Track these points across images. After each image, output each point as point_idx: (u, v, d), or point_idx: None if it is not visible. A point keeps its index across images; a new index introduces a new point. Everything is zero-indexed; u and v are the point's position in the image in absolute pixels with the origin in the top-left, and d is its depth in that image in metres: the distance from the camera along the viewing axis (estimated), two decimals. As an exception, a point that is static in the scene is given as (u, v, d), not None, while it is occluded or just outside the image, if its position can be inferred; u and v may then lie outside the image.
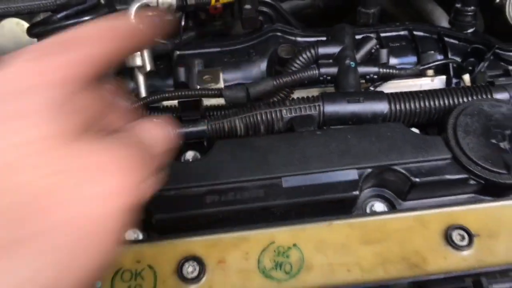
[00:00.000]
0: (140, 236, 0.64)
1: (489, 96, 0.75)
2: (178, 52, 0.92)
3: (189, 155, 0.71)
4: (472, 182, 0.66)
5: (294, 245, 0.61)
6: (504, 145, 0.67)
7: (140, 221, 0.64)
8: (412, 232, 0.62)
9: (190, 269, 0.58)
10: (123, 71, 0.84)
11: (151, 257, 0.59)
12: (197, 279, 0.58)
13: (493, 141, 0.68)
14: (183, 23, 0.92)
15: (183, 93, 0.75)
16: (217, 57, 0.92)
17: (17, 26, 1.00)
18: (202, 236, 0.61)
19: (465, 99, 0.74)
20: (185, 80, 0.88)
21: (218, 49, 0.94)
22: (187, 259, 0.59)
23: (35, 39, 0.92)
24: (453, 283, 0.61)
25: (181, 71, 0.88)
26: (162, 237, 0.62)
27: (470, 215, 0.63)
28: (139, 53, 0.79)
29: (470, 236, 0.61)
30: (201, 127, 0.72)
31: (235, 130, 0.72)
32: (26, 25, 0.93)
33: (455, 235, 0.61)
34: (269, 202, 0.64)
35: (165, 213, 0.62)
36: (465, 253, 0.60)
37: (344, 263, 0.60)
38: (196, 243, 0.60)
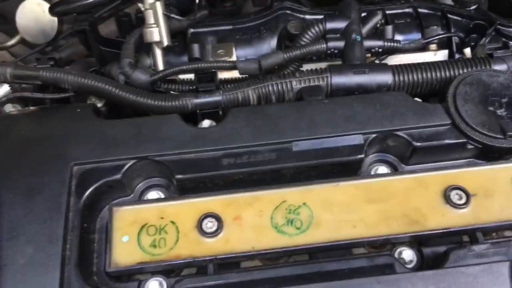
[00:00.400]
0: (163, 195, 0.69)
1: (488, 67, 0.79)
2: (192, 30, 0.96)
3: (206, 123, 0.75)
4: (470, 146, 0.71)
5: (304, 203, 0.66)
6: (501, 112, 0.72)
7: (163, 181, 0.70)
8: (413, 192, 0.67)
9: (209, 225, 0.64)
10: (141, 47, 0.89)
11: (173, 213, 0.65)
12: (215, 233, 0.63)
13: (491, 108, 0.72)
14: (197, 1, 0.95)
15: (199, 65, 0.80)
16: (229, 34, 0.96)
17: (38, 6, 1.04)
18: (220, 195, 0.66)
19: (465, 70, 0.78)
20: (199, 56, 0.93)
21: (230, 27, 0.98)
22: (206, 215, 0.64)
23: (56, 19, 0.97)
24: (451, 238, 0.66)
25: (195, 48, 0.92)
26: (183, 196, 0.67)
27: (468, 176, 0.68)
28: (157, 28, 0.84)
29: (468, 195, 0.66)
30: (217, 97, 0.77)
31: (248, 100, 0.77)
32: (46, 5, 0.97)
33: (453, 195, 0.66)
34: (281, 165, 0.69)
35: (186, 174, 0.67)
36: (463, 211, 0.65)
37: (349, 220, 0.65)
38: (214, 202, 0.66)
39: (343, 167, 0.69)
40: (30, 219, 0.62)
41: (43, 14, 0.98)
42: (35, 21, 1.01)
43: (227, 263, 0.65)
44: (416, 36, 0.96)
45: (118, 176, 0.67)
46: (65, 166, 0.66)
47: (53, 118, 0.74)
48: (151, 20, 0.85)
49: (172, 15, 0.88)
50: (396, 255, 0.66)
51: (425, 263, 0.65)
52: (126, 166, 0.67)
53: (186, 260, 0.62)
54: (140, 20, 0.94)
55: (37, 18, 1.00)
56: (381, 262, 0.63)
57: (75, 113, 0.74)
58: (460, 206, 0.65)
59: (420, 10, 0.99)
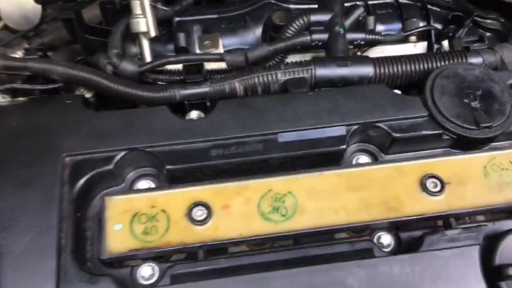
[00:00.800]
0: (153, 185, 0.72)
1: (464, 61, 0.83)
2: (178, 19, 0.97)
3: (194, 114, 0.78)
4: (446, 137, 0.75)
5: (289, 192, 0.69)
6: (475, 104, 0.76)
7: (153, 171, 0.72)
8: (392, 181, 0.71)
9: (198, 213, 0.67)
10: (127, 37, 0.90)
11: (164, 202, 0.67)
12: (205, 221, 0.66)
13: (466, 101, 0.76)
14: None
15: (187, 57, 0.81)
16: (214, 23, 0.97)
17: (22, -7, 1.03)
18: (208, 185, 0.69)
19: (442, 63, 0.82)
20: (185, 46, 0.94)
21: (216, 16, 0.99)
22: (196, 204, 0.67)
23: (40, 6, 0.96)
24: (426, 224, 0.71)
25: (181, 37, 0.93)
26: (173, 186, 0.70)
27: (443, 165, 0.72)
28: (144, 19, 0.85)
29: (442, 183, 0.70)
30: (204, 88, 0.79)
31: (235, 91, 0.79)
32: (30, -8, 0.97)
33: (429, 183, 0.70)
34: (267, 155, 0.72)
35: (175, 165, 0.70)
36: (438, 198, 0.69)
37: (332, 207, 0.69)
38: (203, 191, 0.68)
39: (326, 157, 0.73)
40: (25, 210, 0.64)
41: (27, 1, 0.97)
42: (19, 7, 1.00)
43: (215, 249, 0.68)
44: (397, 26, 1.00)
45: (110, 166, 0.69)
46: (57, 157, 0.68)
47: (44, 109, 0.75)
48: (137, 10, 0.85)
49: (159, 5, 0.89)
50: (375, 239, 0.70)
51: (402, 247, 0.70)
52: (118, 157, 0.69)
53: (177, 247, 0.65)
54: (125, 7, 0.94)
55: (21, 4, 1.00)
56: (361, 247, 0.67)
57: (65, 104, 0.75)
58: (436, 194, 0.69)
59: (401, 0, 1.01)
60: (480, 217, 0.76)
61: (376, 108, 0.75)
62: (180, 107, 0.79)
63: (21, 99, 0.79)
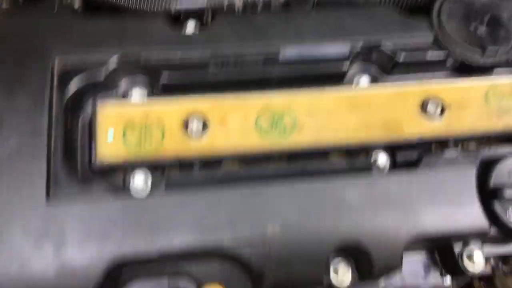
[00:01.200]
0: (147, 95, 0.69)
1: (473, -14, 0.80)
2: None
3: (190, 25, 0.73)
4: (450, 61, 0.73)
5: (289, 109, 0.67)
6: (481, 30, 0.74)
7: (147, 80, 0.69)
8: (393, 103, 0.69)
9: (194, 125, 0.64)
10: None
11: (159, 112, 0.65)
12: (201, 134, 0.64)
13: (472, 26, 0.74)
14: None
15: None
16: None
17: None
18: (206, 97, 0.66)
19: (450, -12, 0.79)
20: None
21: None
22: (192, 116, 0.65)
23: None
24: (424, 146, 0.70)
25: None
26: (168, 96, 0.67)
27: (444, 89, 0.71)
28: None
29: (443, 107, 0.69)
30: (201, 1, 0.75)
31: (234, 5, 0.75)
32: None
33: (430, 106, 0.69)
34: (267, 72, 0.70)
35: (171, 77, 0.67)
36: (438, 121, 0.68)
37: (331, 126, 0.67)
38: (201, 103, 0.66)
39: (328, 75, 0.71)
40: (13, 112, 0.61)
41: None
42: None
43: (210, 164, 0.66)
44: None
45: (102, 72, 0.66)
46: (47, 60, 0.64)
47: (31, 15, 0.70)
48: None
49: None
50: (372, 159, 0.69)
51: (399, 168, 0.69)
52: (111, 62, 0.66)
53: (172, 158, 0.63)
54: None
55: None
56: (358, 165, 0.67)
57: (53, 10, 0.71)
58: (435, 117, 0.68)
59: None
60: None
61: (381, 29, 0.72)
62: (175, 22, 0.75)
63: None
